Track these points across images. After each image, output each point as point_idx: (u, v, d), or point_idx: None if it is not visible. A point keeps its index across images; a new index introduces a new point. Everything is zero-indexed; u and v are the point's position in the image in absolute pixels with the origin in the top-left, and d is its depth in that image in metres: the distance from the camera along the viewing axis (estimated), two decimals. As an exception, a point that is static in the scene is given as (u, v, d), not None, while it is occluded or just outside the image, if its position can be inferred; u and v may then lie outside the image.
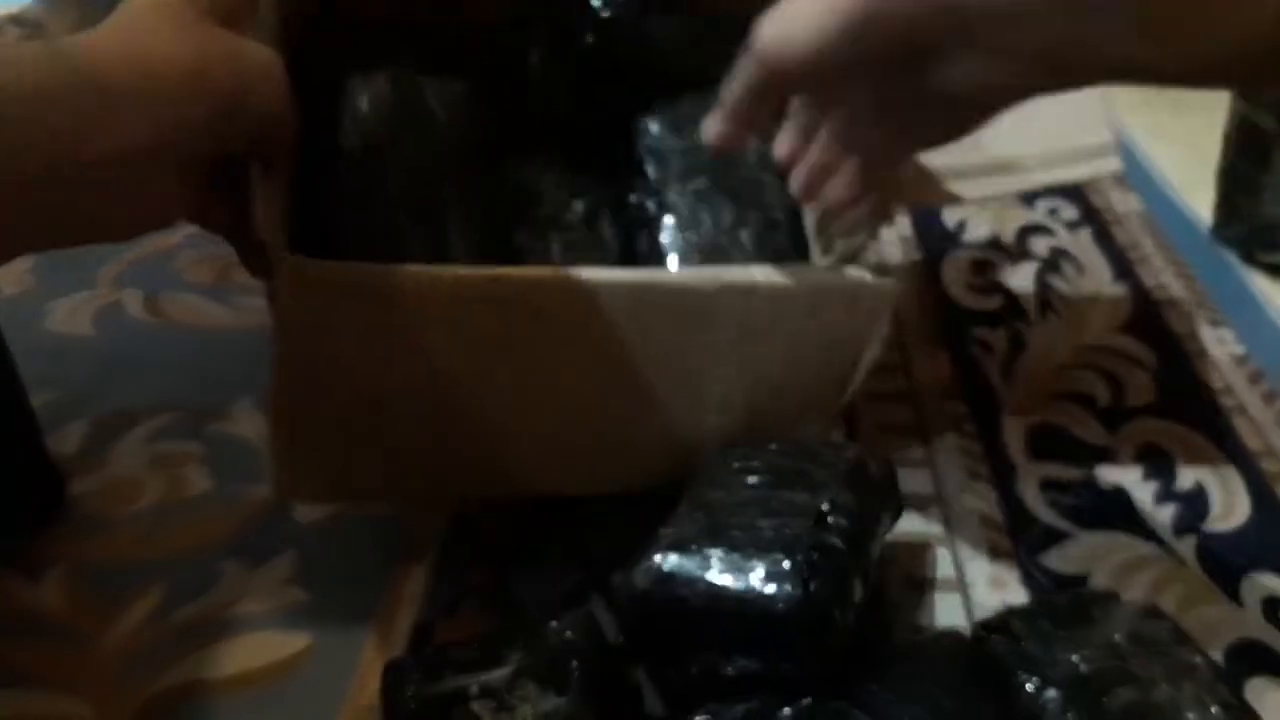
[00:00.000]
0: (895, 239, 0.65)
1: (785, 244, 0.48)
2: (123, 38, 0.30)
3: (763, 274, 0.39)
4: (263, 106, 0.33)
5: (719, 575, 0.33)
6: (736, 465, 0.39)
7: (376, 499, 0.45)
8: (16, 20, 0.84)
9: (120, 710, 0.38)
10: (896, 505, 0.41)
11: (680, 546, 0.34)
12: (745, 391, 0.41)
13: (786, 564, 0.33)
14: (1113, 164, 0.43)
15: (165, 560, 0.44)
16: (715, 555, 0.34)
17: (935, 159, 0.40)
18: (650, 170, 0.50)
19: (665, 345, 0.39)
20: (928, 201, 0.41)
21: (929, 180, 0.41)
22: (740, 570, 0.33)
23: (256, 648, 0.40)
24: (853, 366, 0.43)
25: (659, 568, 0.34)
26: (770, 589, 0.33)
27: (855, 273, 0.41)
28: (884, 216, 0.42)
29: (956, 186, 0.41)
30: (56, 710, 0.38)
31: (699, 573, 0.33)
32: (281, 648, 0.40)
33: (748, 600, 0.33)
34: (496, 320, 0.37)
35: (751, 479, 0.38)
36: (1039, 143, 0.41)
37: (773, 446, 0.40)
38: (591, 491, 0.43)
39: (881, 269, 0.41)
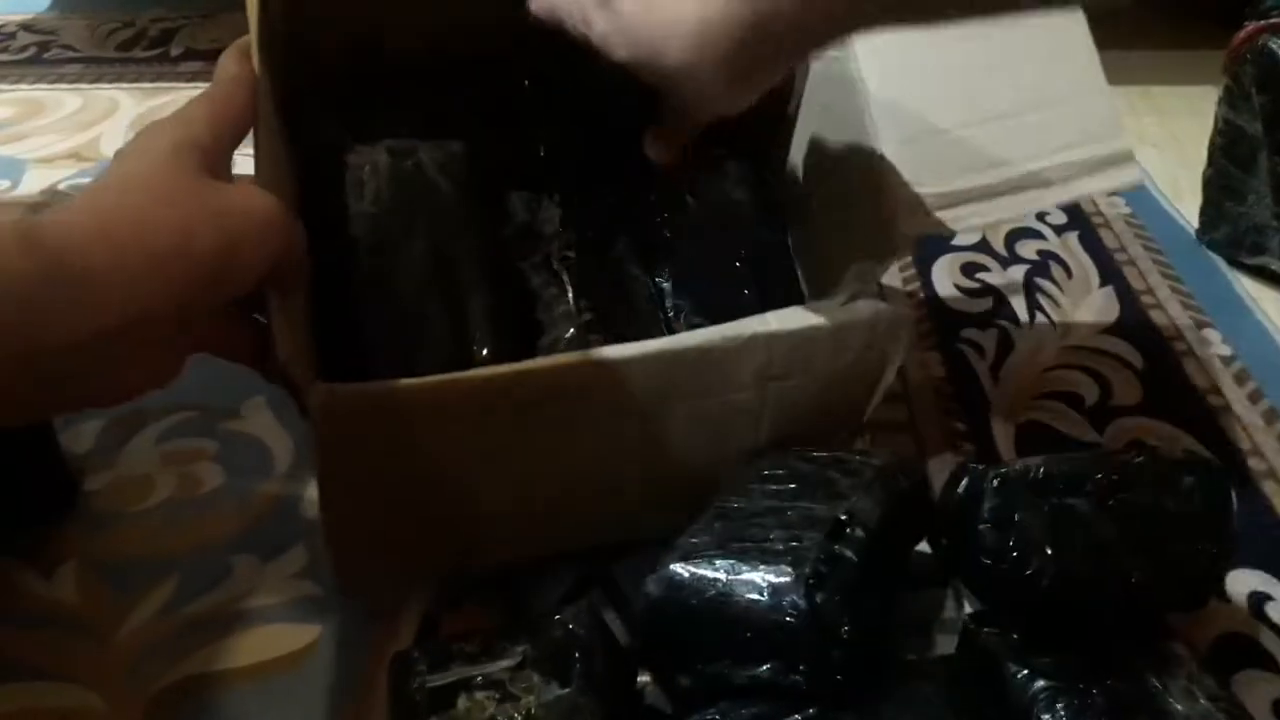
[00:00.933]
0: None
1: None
2: (100, 211, 0.29)
3: (783, 320, 0.39)
4: (256, 257, 0.31)
5: (727, 586, 0.33)
6: (763, 473, 0.39)
7: (424, 575, 0.45)
8: (28, 27, 0.85)
9: (132, 703, 0.39)
10: (927, 515, 0.40)
11: (693, 556, 0.35)
12: (770, 429, 0.42)
13: (792, 575, 0.33)
14: (1134, 174, 0.40)
15: (177, 555, 0.45)
16: (725, 566, 0.34)
17: (951, 183, 0.40)
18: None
19: (692, 404, 0.40)
20: (928, 230, 0.40)
21: (919, 209, 0.40)
22: (748, 581, 0.33)
23: (267, 640, 0.41)
24: (872, 390, 0.44)
25: (671, 577, 0.34)
26: (776, 600, 0.33)
27: (870, 304, 0.41)
28: (891, 253, 0.42)
29: (972, 211, 0.40)
30: (70, 703, 0.39)
31: (709, 583, 0.34)
32: (292, 640, 0.41)
33: (754, 611, 0.33)
34: (521, 413, 0.37)
35: (774, 487, 0.38)
36: (1056, 157, 0.40)
37: (801, 454, 0.40)
38: (627, 538, 0.44)
39: (888, 295, 0.41)
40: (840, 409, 0.44)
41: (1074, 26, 0.42)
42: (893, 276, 0.63)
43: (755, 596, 0.33)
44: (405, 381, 0.36)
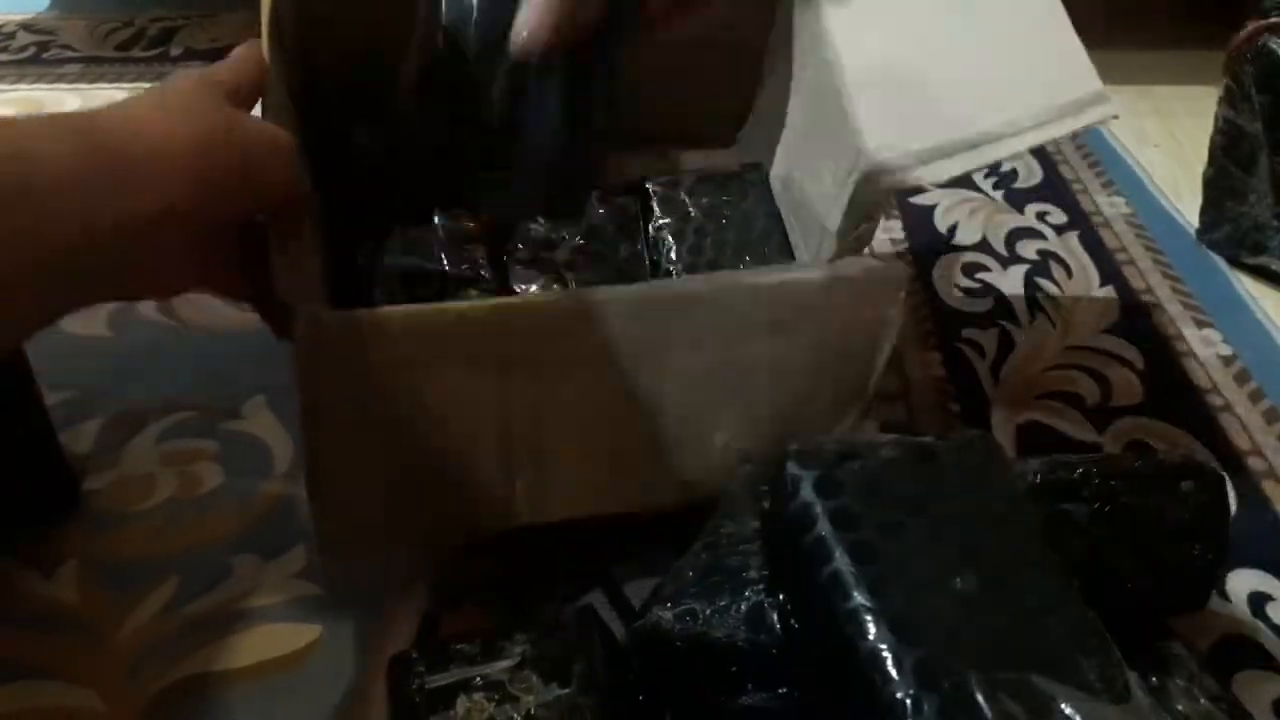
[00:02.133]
0: (887, 241, 0.66)
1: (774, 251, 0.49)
2: (135, 115, 0.32)
3: (771, 273, 0.40)
4: (267, 179, 0.35)
5: (707, 622, 0.33)
6: (754, 496, 0.39)
7: (411, 548, 0.45)
8: (27, 27, 0.85)
9: (132, 702, 0.39)
10: None
11: (675, 599, 0.34)
12: (770, 402, 0.42)
13: (765, 602, 0.33)
14: (1108, 109, 0.40)
15: (177, 555, 0.45)
16: (704, 603, 0.33)
17: (926, 139, 0.40)
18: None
19: (682, 357, 0.39)
20: (905, 186, 0.40)
21: (895, 168, 0.41)
22: (725, 615, 0.33)
23: (267, 640, 0.41)
24: (872, 359, 0.43)
25: (655, 625, 0.34)
26: (753, 630, 0.32)
27: (859, 260, 0.41)
28: (874, 213, 0.42)
29: (949, 164, 0.40)
30: (69, 702, 0.39)
31: (690, 623, 0.33)
32: (292, 640, 0.41)
33: (734, 643, 0.32)
34: (506, 347, 0.37)
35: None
36: (1029, 102, 0.40)
37: None
38: (617, 511, 0.43)
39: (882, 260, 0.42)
40: (841, 379, 0.43)
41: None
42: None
43: (733, 629, 0.32)
44: (390, 309, 0.37)
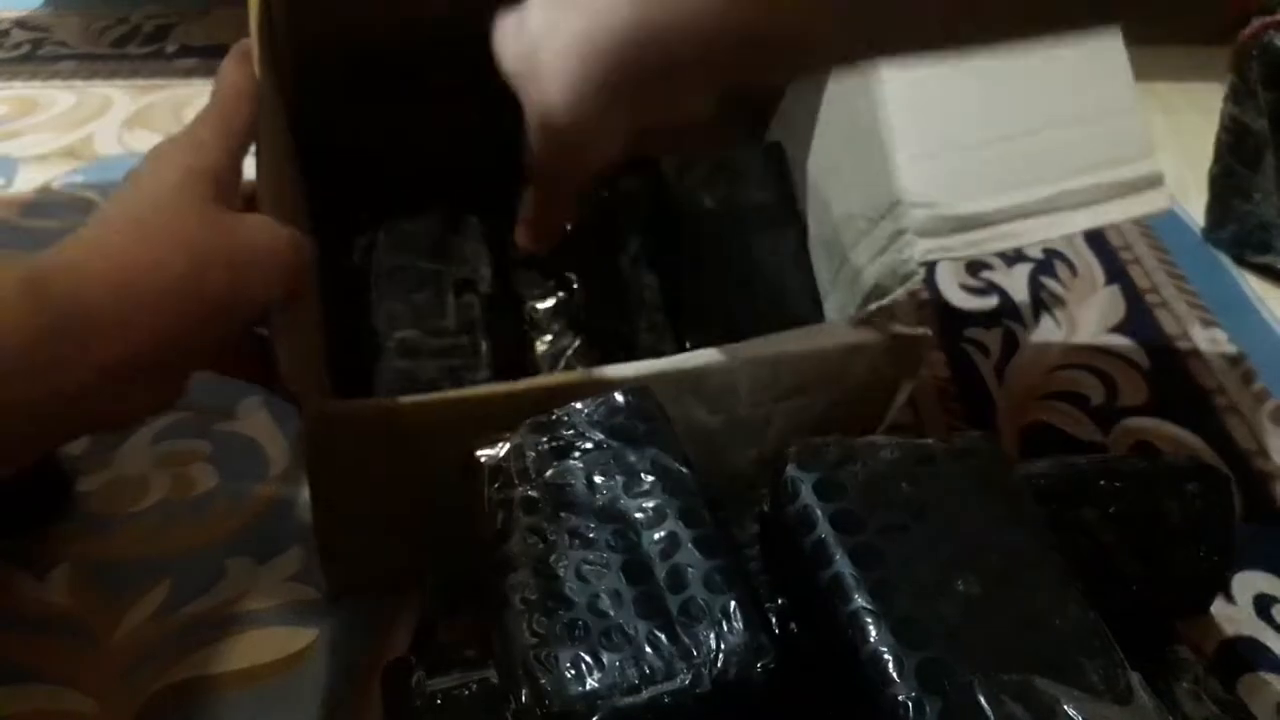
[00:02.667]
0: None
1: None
2: (110, 252, 0.29)
3: (792, 341, 0.39)
4: (265, 291, 0.32)
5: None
6: (752, 500, 0.38)
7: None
8: (21, 24, 0.85)
9: (126, 706, 0.39)
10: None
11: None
12: (775, 446, 0.40)
13: (767, 607, 0.32)
14: (1162, 200, 0.38)
15: (171, 557, 0.44)
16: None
17: (970, 204, 0.38)
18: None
19: (692, 420, 0.39)
20: (944, 256, 0.38)
21: (935, 232, 0.39)
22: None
23: (262, 643, 0.41)
24: (884, 411, 0.43)
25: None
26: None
27: (886, 323, 0.40)
28: (906, 276, 0.40)
29: (990, 234, 0.38)
30: (62, 706, 0.39)
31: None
32: (287, 643, 0.41)
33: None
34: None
35: None
36: (1082, 179, 0.38)
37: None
38: None
39: (901, 311, 0.40)
40: (853, 423, 0.43)
41: (1108, 42, 0.40)
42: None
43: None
44: (398, 400, 0.36)
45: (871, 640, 0.27)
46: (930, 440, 0.33)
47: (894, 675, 0.26)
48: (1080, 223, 0.39)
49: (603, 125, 0.31)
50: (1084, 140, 0.40)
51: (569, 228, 0.41)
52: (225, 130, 0.34)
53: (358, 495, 0.38)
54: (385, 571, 0.42)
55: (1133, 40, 0.40)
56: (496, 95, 0.34)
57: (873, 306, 0.40)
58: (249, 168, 0.36)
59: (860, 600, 0.28)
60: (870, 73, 0.41)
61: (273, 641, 0.41)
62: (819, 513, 0.30)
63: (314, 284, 0.40)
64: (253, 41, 0.38)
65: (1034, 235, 0.38)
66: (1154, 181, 0.39)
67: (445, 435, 0.34)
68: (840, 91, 0.46)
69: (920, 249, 0.38)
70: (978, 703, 0.26)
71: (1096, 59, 0.41)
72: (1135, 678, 0.27)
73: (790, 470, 0.31)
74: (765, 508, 0.33)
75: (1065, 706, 0.26)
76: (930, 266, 0.63)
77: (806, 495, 0.30)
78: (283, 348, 0.34)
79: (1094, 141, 0.40)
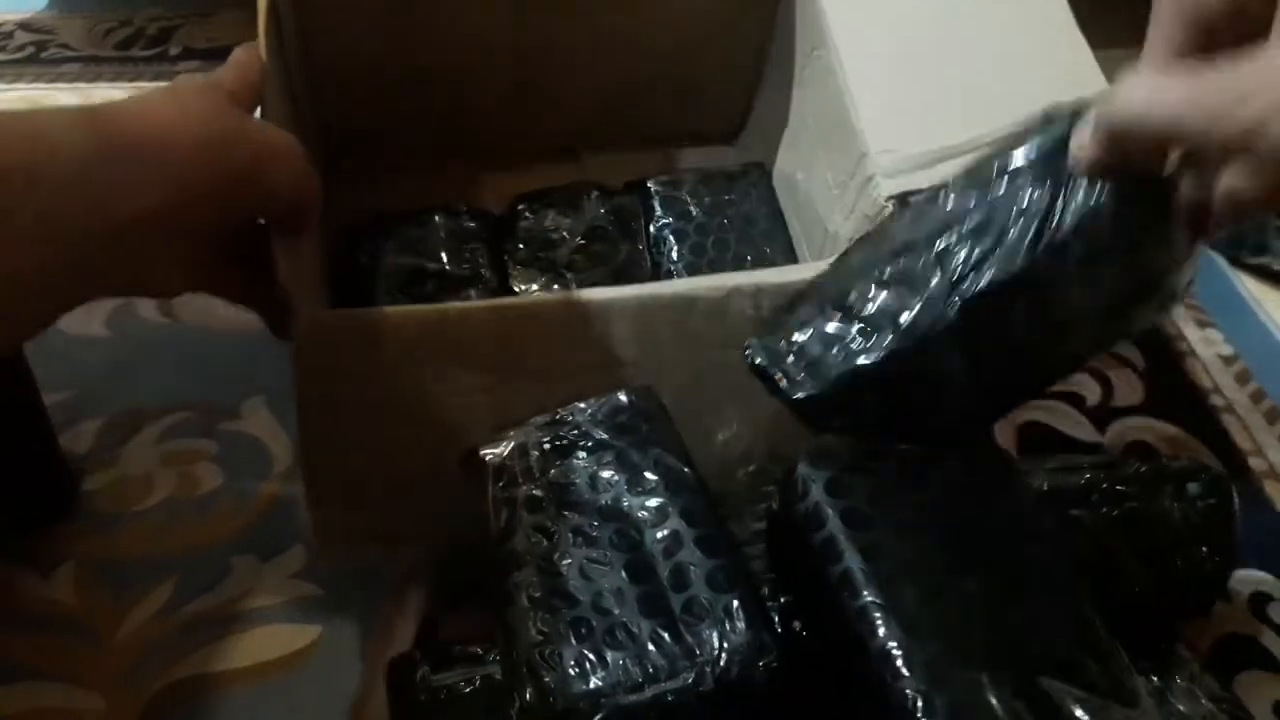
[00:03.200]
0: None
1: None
2: (147, 109, 0.32)
3: (770, 275, 0.40)
4: (274, 182, 0.34)
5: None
6: (756, 498, 0.39)
7: (408, 542, 0.44)
8: (25, 26, 0.85)
9: (131, 703, 0.39)
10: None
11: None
12: (768, 401, 0.41)
13: (770, 605, 0.32)
14: None
15: (176, 555, 0.45)
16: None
17: (930, 142, 0.40)
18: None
19: (681, 359, 0.39)
20: (909, 188, 0.41)
21: (899, 170, 0.41)
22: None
23: (266, 641, 0.41)
24: None
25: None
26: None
27: None
28: (877, 214, 0.42)
29: (948, 171, 0.40)
30: (68, 703, 0.39)
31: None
32: (291, 641, 0.41)
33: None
34: (506, 348, 0.38)
35: None
36: (1032, 107, 0.40)
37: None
38: None
39: None
40: None
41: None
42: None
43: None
44: (387, 309, 0.37)
45: (880, 635, 0.27)
46: (942, 446, 0.33)
47: (903, 670, 0.27)
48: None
49: None
50: (1033, 75, 0.41)
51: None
52: (238, 77, 0.37)
53: (346, 418, 0.38)
54: (372, 515, 0.41)
55: (1130, 44, 0.41)
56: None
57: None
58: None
59: (869, 595, 0.28)
60: (835, 65, 0.43)
61: (277, 638, 0.41)
62: (829, 510, 0.30)
63: (318, 231, 0.41)
64: (260, 34, 0.40)
65: None
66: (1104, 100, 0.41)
67: (433, 348, 0.35)
68: (808, 88, 0.48)
69: (887, 187, 0.40)
70: (985, 698, 0.26)
71: (1038, 8, 0.43)
72: (1140, 682, 0.28)
73: (801, 469, 0.31)
74: (773, 506, 0.33)
75: (1071, 706, 0.26)
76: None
77: (817, 493, 0.30)
78: (282, 258, 0.35)
79: (1042, 73, 0.41)
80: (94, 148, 0.29)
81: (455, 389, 0.38)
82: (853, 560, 0.29)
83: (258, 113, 0.39)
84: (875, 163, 0.41)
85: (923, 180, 0.40)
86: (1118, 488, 0.36)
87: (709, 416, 0.41)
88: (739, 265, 0.50)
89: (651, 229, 0.52)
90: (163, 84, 0.78)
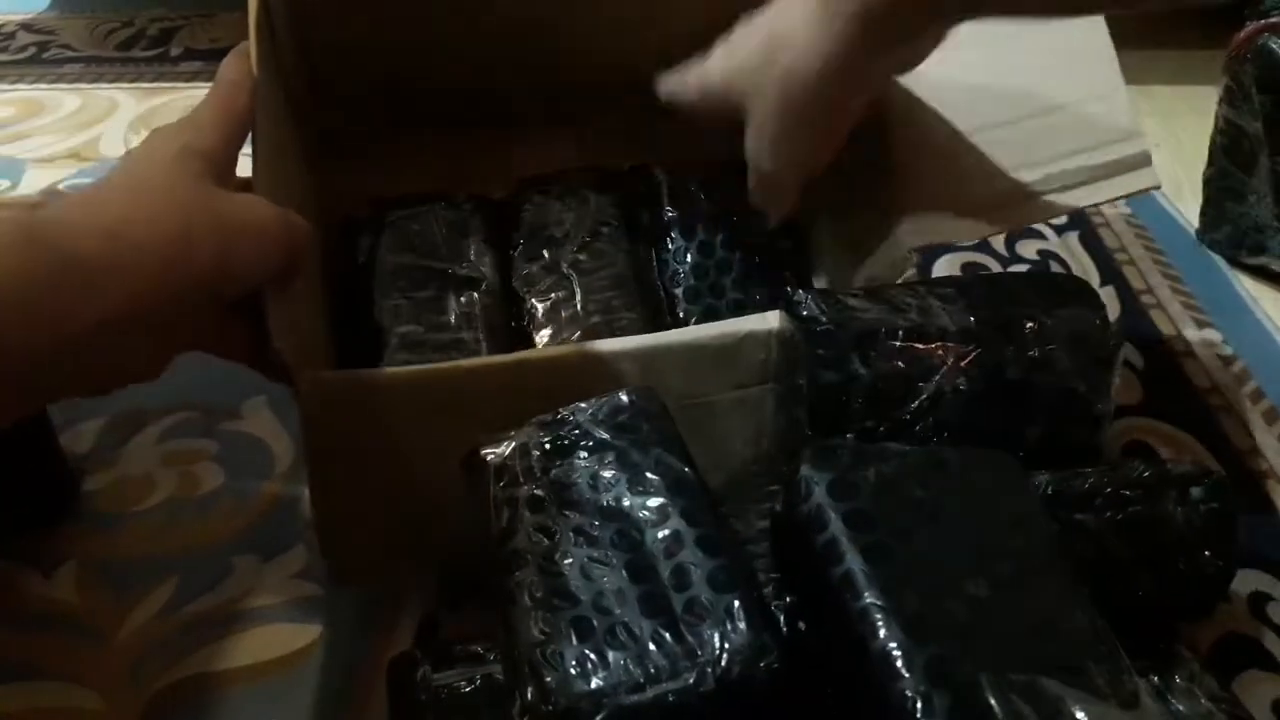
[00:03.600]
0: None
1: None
2: (104, 209, 0.30)
3: (785, 318, 0.39)
4: (245, 267, 0.33)
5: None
6: (759, 497, 0.39)
7: (418, 568, 0.44)
8: (27, 27, 0.85)
9: (132, 702, 0.39)
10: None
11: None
12: (774, 436, 0.41)
13: (774, 605, 0.32)
14: (1150, 178, 0.39)
15: (176, 555, 0.45)
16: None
17: (961, 192, 0.39)
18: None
19: (690, 402, 0.39)
20: (936, 240, 0.39)
21: (927, 219, 0.40)
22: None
23: (267, 640, 0.41)
24: None
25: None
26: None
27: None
28: (901, 263, 0.42)
29: (982, 220, 0.39)
30: (69, 702, 0.39)
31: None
32: (292, 640, 0.41)
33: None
34: (517, 400, 0.37)
35: None
36: (1071, 161, 0.39)
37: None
38: None
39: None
40: None
41: (1091, 27, 0.41)
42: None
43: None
44: (391, 370, 0.37)
45: (881, 635, 0.27)
46: (943, 447, 0.33)
47: (903, 670, 0.27)
48: (1069, 204, 0.40)
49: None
50: (1071, 124, 0.41)
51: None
52: (223, 117, 0.35)
53: (355, 472, 0.38)
54: (386, 557, 0.42)
55: (1131, 44, 0.41)
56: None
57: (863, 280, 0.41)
58: (244, 166, 0.36)
59: (870, 596, 0.28)
60: None
61: (278, 638, 0.41)
62: (832, 512, 0.30)
63: (317, 270, 0.40)
64: (251, 40, 0.39)
65: (1022, 220, 0.40)
66: (1142, 161, 0.40)
67: (441, 407, 0.34)
68: None
69: (913, 238, 0.39)
70: (986, 699, 0.26)
71: (1080, 44, 0.42)
72: (1143, 685, 0.28)
73: (804, 470, 0.31)
74: (776, 507, 0.33)
75: (1073, 708, 0.26)
76: (928, 268, 0.64)
77: (820, 495, 0.31)
78: (275, 318, 0.34)
79: (1080, 125, 0.41)
80: (33, 266, 0.27)
81: (463, 440, 0.37)
82: (854, 561, 0.29)
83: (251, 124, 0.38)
84: (901, 207, 0.40)
85: (948, 231, 0.40)
86: (1120, 491, 0.36)
87: (720, 446, 0.41)
88: (747, 266, 0.49)
89: (658, 222, 0.51)
90: (165, 85, 0.78)
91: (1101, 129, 0.40)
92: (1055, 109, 0.41)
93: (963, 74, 0.41)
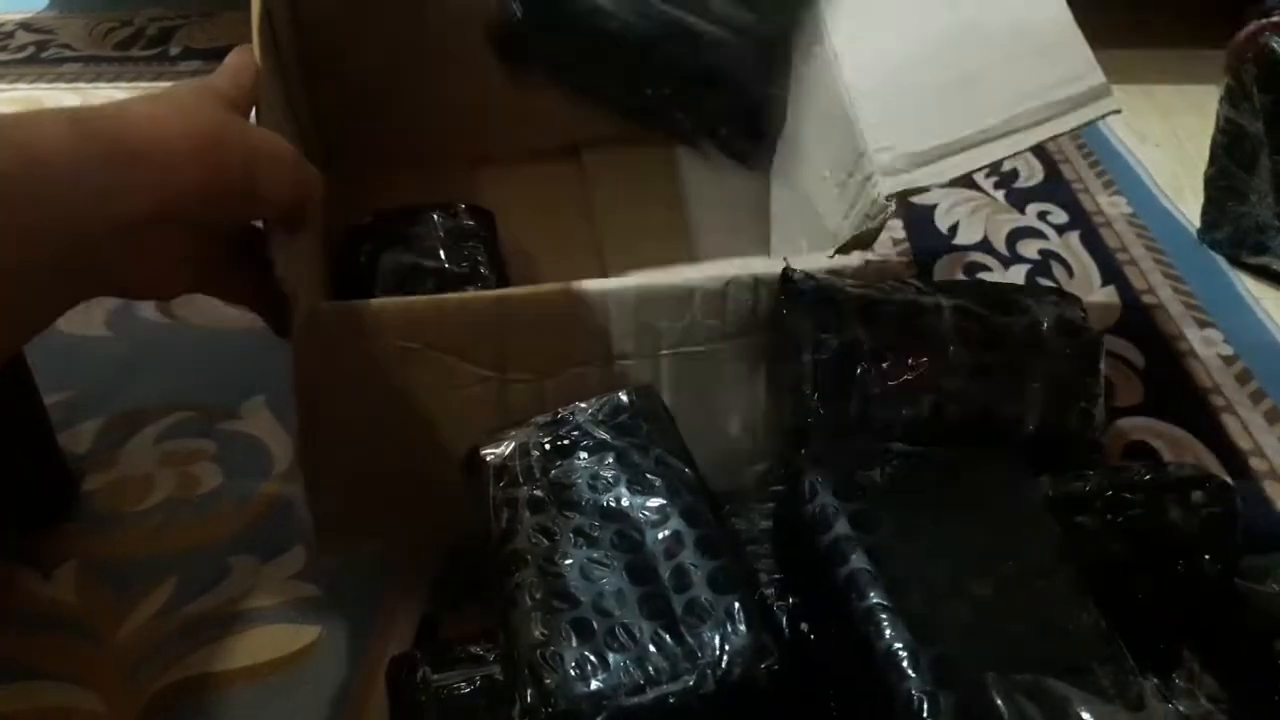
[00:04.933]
0: (887, 241, 0.66)
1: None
2: (136, 111, 0.31)
3: (768, 265, 0.40)
4: (267, 185, 0.34)
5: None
6: (764, 497, 0.39)
7: (408, 539, 0.44)
8: (26, 26, 0.85)
9: (131, 702, 0.39)
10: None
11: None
12: (774, 391, 0.41)
13: (777, 606, 0.33)
14: (1111, 104, 0.40)
15: (176, 555, 0.45)
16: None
17: (928, 140, 0.40)
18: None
19: (680, 350, 0.39)
20: (908, 187, 0.40)
21: (898, 169, 0.41)
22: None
23: (266, 641, 0.41)
24: None
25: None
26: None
27: (858, 255, 0.42)
28: (878, 213, 0.42)
29: (951, 164, 0.40)
30: (68, 703, 0.39)
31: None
32: (290, 641, 0.41)
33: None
34: (504, 338, 0.38)
35: None
36: (1032, 101, 0.40)
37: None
38: None
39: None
40: None
41: None
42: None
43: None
44: (387, 300, 0.37)
45: (886, 636, 0.27)
46: (947, 449, 0.33)
47: (908, 670, 0.27)
48: (1034, 138, 0.41)
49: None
50: (1030, 68, 0.41)
51: None
52: (233, 81, 0.37)
53: (345, 410, 0.38)
54: (372, 510, 0.41)
55: (1131, 44, 0.41)
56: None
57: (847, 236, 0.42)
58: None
59: (875, 597, 0.28)
60: (833, 61, 0.44)
61: (276, 639, 0.41)
62: (837, 512, 0.30)
63: (320, 230, 0.41)
64: (254, 36, 0.40)
65: (991, 156, 0.40)
66: (1101, 92, 0.41)
67: (432, 343, 0.35)
68: (806, 85, 0.48)
69: (887, 185, 0.40)
70: (991, 699, 0.26)
71: (1037, 5, 0.43)
72: (1148, 687, 0.28)
73: (809, 471, 0.31)
74: (779, 508, 0.33)
75: (1078, 708, 0.26)
76: (928, 268, 0.64)
77: (825, 496, 0.31)
78: (279, 251, 0.35)
79: (1040, 67, 0.41)
80: (80, 152, 0.29)
81: (453, 381, 0.38)
82: (859, 562, 0.29)
83: (253, 117, 0.39)
84: (874, 161, 0.41)
85: (922, 178, 0.40)
86: (1123, 495, 0.36)
87: (717, 407, 0.41)
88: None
89: None
90: (164, 84, 0.78)
91: (1059, 69, 0.41)
92: (1014, 56, 0.42)
93: (920, 31, 0.43)
